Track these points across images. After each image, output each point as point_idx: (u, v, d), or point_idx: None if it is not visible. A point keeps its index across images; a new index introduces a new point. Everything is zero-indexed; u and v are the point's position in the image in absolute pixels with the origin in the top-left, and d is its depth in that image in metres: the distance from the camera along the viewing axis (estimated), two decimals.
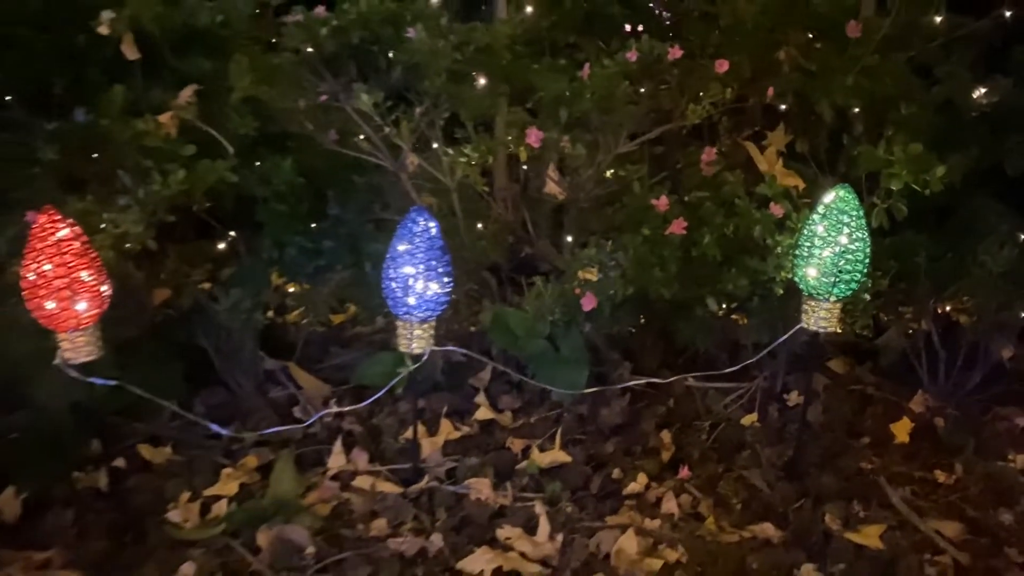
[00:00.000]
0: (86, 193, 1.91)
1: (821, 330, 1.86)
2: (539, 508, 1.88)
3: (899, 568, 1.75)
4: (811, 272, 1.80)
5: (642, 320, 2.28)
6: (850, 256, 1.77)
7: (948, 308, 2.28)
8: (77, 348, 1.68)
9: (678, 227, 1.98)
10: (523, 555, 1.77)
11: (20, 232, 1.74)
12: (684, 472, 2.01)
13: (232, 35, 2.19)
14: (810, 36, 2.30)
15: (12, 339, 1.81)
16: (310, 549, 1.77)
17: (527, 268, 2.34)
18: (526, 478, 1.99)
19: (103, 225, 1.87)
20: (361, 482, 1.97)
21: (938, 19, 2.34)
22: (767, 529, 1.86)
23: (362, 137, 2.15)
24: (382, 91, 1.99)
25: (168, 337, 2.14)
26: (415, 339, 1.83)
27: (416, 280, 1.76)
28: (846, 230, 1.76)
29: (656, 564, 1.75)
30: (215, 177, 1.98)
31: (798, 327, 1.89)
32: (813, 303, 1.85)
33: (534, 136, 2.03)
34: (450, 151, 2.09)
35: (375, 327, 2.57)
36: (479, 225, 2.27)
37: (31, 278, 1.62)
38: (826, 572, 1.75)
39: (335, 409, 2.16)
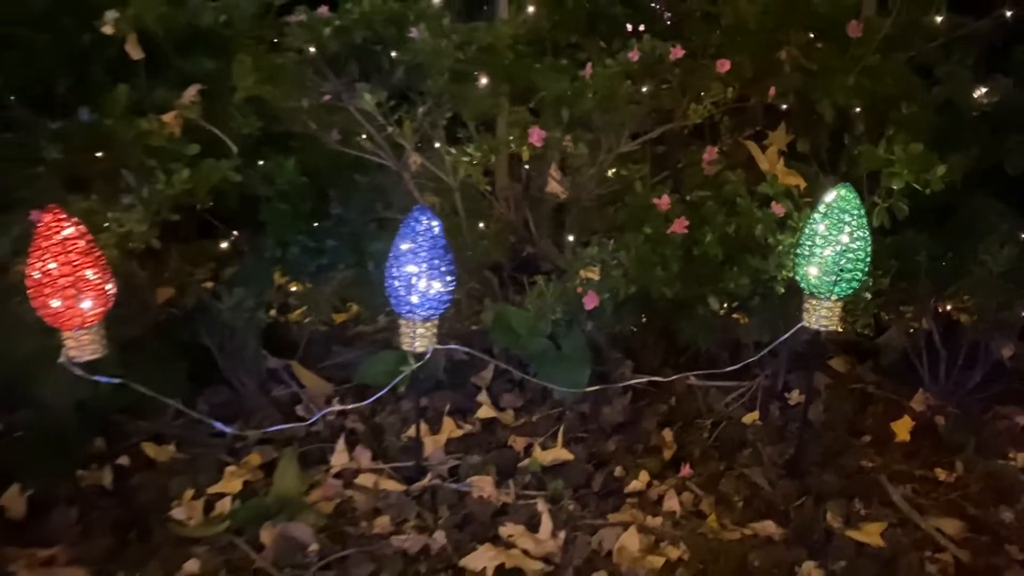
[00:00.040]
0: (90, 192, 1.92)
1: (822, 329, 1.87)
2: (541, 506, 1.89)
3: (900, 566, 1.76)
4: (812, 271, 1.81)
5: (644, 319, 2.28)
6: (851, 255, 1.77)
7: (949, 307, 2.28)
8: (82, 346, 1.68)
9: (680, 226, 1.99)
10: (525, 552, 1.78)
11: (25, 231, 1.75)
12: (686, 470, 2.02)
13: (235, 35, 2.20)
14: (811, 36, 2.30)
15: (17, 337, 1.82)
16: (313, 546, 1.78)
17: (529, 267, 2.35)
18: (528, 476, 2.00)
19: (107, 224, 1.88)
20: (364, 480, 1.98)
21: (939, 19, 2.34)
22: (768, 527, 1.86)
23: (365, 137, 2.15)
24: (385, 91, 2.00)
25: (172, 336, 2.15)
26: (418, 338, 1.84)
27: (419, 279, 1.76)
28: (847, 229, 1.77)
29: (658, 562, 1.75)
30: (219, 176, 1.99)
31: (799, 326, 1.90)
32: (814, 302, 1.85)
33: (536, 135, 2.03)
34: (452, 150, 2.09)
35: (378, 326, 2.58)
36: (481, 224, 2.28)
37: (36, 276, 1.62)
38: (827, 570, 1.75)
39: (338, 407, 2.16)
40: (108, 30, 2.04)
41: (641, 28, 2.37)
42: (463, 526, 1.86)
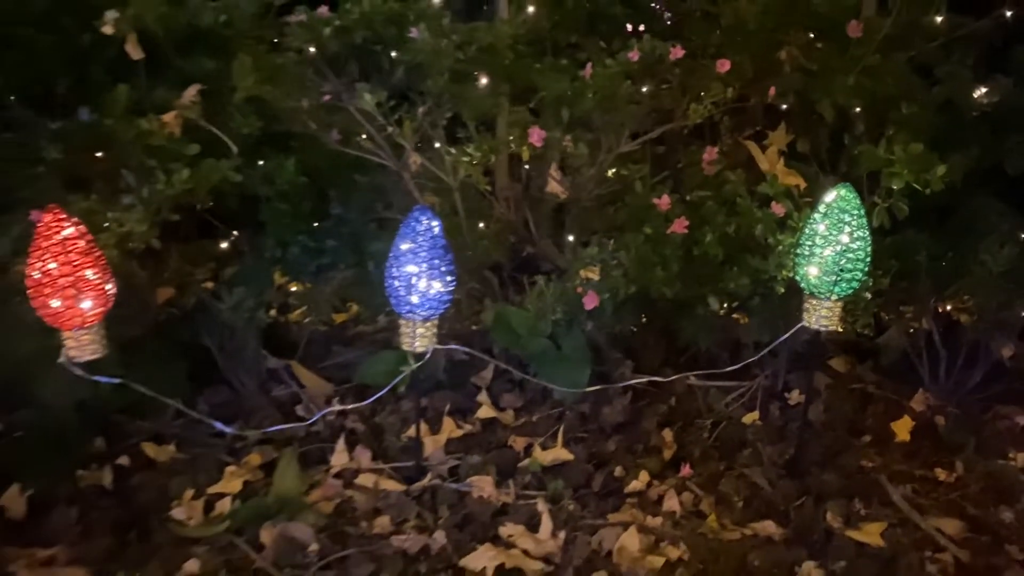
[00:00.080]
0: (90, 192, 1.92)
1: (822, 329, 1.87)
2: (541, 506, 1.89)
3: (900, 565, 1.76)
4: (812, 271, 1.81)
5: (644, 319, 2.28)
6: (851, 255, 1.78)
7: (949, 307, 2.29)
8: (82, 346, 1.68)
9: (680, 226, 1.99)
10: (525, 552, 1.78)
11: (25, 231, 1.75)
12: (686, 470, 2.02)
13: (235, 35, 2.20)
14: (811, 36, 2.30)
15: (17, 337, 1.82)
16: (313, 546, 1.78)
17: (529, 267, 2.35)
18: (528, 476, 2.00)
19: (107, 224, 1.88)
20: (364, 480, 1.98)
21: (939, 19, 2.34)
22: (768, 527, 1.86)
23: (365, 137, 2.15)
24: (385, 91, 2.00)
25: (172, 336, 2.15)
26: (418, 338, 1.84)
27: (419, 279, 1.76)
28: (847, 229, 1.77)
29: (658, 562, 1.75)
30: (219, 176, 1.99)
31: (799, 326, 1.90)
32: (814, 302, 1.85)
33: (536, 135, 2.03)
34: (452, 150, 2.09)
35: (377, 326, 2.58)
36: (481, 224, 2.28)
37: (36, 276, 1.62)
38: (827, 570, 1.75)
39: (338, 407, 2.16)
40: (108, 30, 2.05)
41: (641, 28, 2.37)
42: (463, 526, 1.86)
